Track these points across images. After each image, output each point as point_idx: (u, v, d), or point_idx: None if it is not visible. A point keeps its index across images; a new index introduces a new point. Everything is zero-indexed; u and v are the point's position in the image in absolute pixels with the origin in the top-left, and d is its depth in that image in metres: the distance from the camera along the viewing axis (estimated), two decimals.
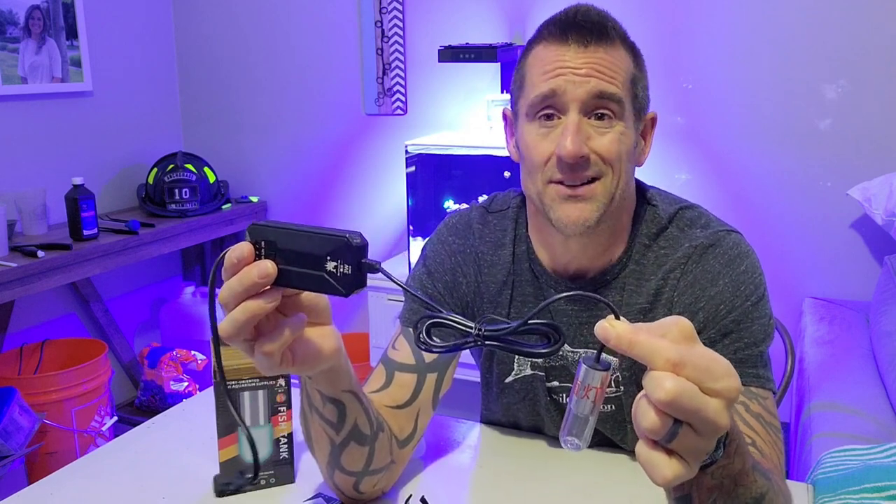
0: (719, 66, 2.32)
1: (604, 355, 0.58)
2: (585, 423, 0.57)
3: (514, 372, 1.09)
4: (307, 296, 0.69)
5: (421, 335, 0.66)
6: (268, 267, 0.62)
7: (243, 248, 0.63)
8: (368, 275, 0.63)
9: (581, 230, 0.93)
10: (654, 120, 1.02)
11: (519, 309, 1.06)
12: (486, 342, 0.63)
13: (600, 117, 0.92)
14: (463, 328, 0.64)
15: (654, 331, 0.55)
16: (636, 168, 1.01)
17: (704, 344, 0.92)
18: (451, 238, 1.10)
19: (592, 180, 0.93)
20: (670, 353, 0.53)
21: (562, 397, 1.07)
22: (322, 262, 0.62)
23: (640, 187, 1.06)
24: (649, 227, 1.02)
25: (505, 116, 1.06)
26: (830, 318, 2.08)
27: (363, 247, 0.62)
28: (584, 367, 0.57)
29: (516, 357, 1.07)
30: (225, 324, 0.64)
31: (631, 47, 0.96)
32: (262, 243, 0.64)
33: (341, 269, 0.62)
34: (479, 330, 0.63)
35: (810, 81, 2.23)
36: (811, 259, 2.32)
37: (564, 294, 0.60)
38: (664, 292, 0.99)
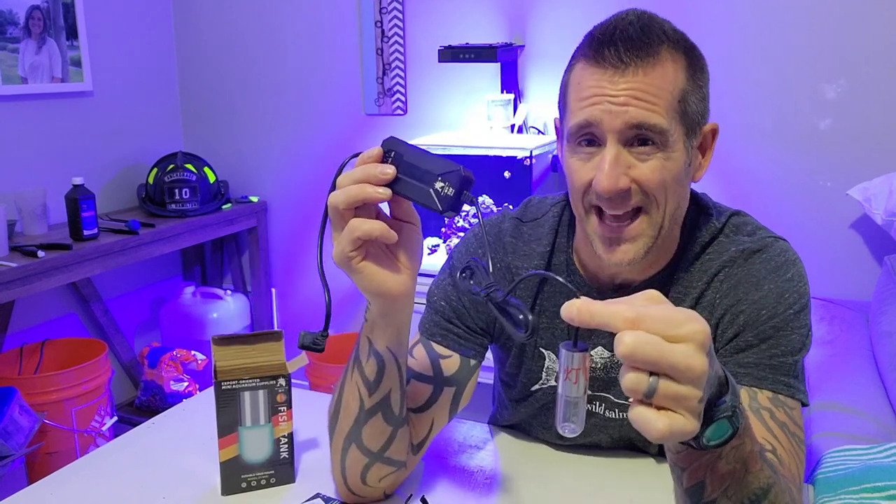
0: (719, 66, 2.32)
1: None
2: (576, 405, 0.62)
3: (540, 381, 1.07)
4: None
5: (462, 273, 0.80)
6: (388, 168, 0.75)
7: (374, 150, 0.77)
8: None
9: (627, 268, 0.92)
10: (714, 131, 0.95)
11: (551, 319, 1.03)
12: (489, 300, 0.73)
13: (644, 142, 0.86)
14: (485, 282, 0.75)
15: (620, 302, 0.58)
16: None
17: (740, 347, 0.94)
18: (481, 251, 1.06)
19: (637, 212, 0.89)
20: (627, 313, 0.56)
21: None
22: (433, 180, 0.75)
23: (692, 193, 1.02)
24: (703, 236, 0.99)
25: (556, 125, 1.01)
26: (830, 318, 2.08)
27: (471, 180, 0.75)
28: (563, 351, 0.62)
29: (545, 367, 1.06)
30: (338, 193, 0.75)
31: (685, 54, 0.88)
32: (392, 153, 0.77)
33: (446, 191, 0.75)
34: (489, 289, 0.74)
35: (810, 81, 2.23)
36: (811, 259, 2.30)
37: (526, 273, 0.64)
38: (707, 295, 0.97)
